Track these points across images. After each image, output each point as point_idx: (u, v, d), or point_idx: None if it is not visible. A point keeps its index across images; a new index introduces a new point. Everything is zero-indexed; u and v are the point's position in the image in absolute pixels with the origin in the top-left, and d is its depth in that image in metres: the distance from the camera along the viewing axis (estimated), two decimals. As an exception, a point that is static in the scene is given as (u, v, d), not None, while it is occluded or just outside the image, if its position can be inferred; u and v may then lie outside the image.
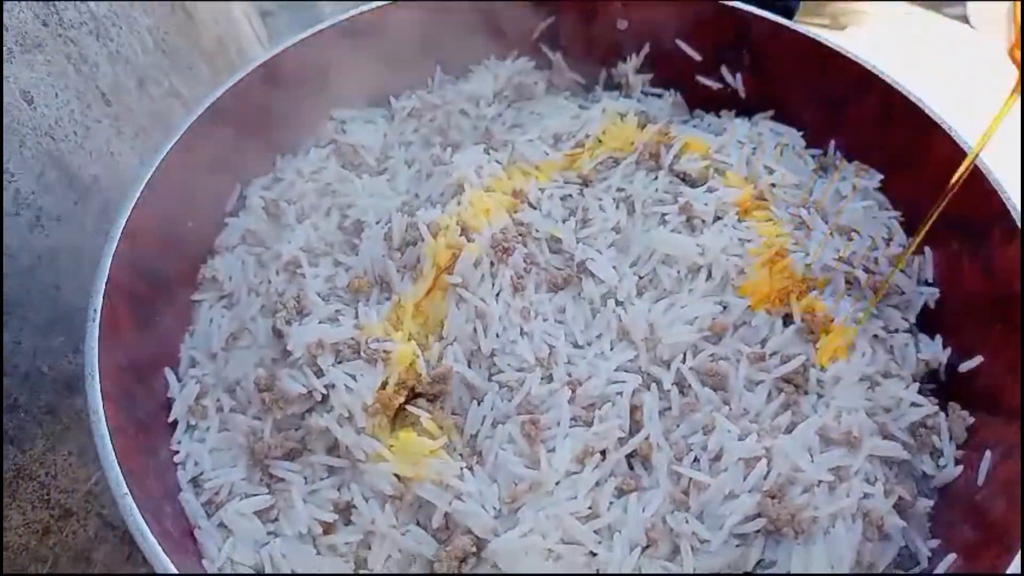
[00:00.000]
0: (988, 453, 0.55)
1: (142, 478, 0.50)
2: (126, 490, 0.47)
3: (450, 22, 0.77)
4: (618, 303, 0.62)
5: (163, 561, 0.45)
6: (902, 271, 0.65)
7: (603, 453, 0.56)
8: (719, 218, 0.66)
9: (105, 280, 0.55)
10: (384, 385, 0.57)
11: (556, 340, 0.61)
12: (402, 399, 0.58)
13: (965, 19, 1.79)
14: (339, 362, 0.58)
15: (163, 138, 0.80)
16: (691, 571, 0.51)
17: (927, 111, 0.64)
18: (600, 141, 0.73)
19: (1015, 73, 0.47)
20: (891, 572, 0.54)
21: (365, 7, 0.75)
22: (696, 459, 0.55)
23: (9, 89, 0.63)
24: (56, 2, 0.68)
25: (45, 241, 0.67)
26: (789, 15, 0.73)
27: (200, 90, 0.90)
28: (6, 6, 0.64)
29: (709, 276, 0.63)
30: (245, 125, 0.69)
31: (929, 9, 1.80)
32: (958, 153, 0.62)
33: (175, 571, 0.44)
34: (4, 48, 0.62)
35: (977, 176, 0.60)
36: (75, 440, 0.72)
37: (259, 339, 0.62)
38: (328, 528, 0.54)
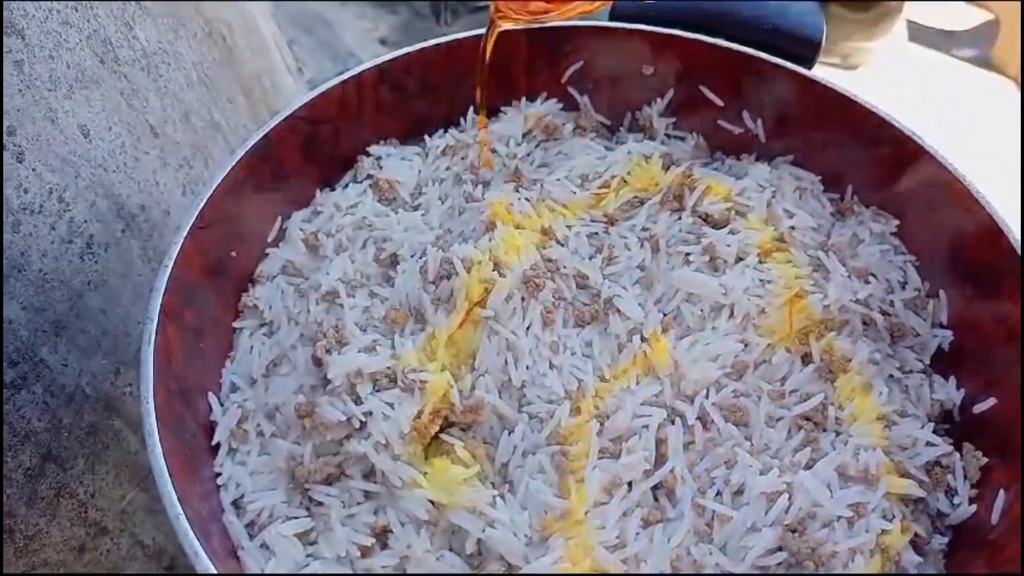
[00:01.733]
0: (1002, 493, 0.57)
1: (191, 500, 0.53)
2: (180, 511, 0.49)
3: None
4: (643, 339, 0.65)
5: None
6: (917, 314, 0.68)
7: (629, 485, 0.58)
8: (741, 259, 0.69)
9: (159, 307, 0.58)
10: (420, 414, 0.59)
11: (584, 374, 0.63)
12: (437, 428, 0.60)
13: (974, 61, 1.83)
14: (377, 391, 0.60)
15: (204, 169, 0.84)
16: (715, 601, 0.54)
17: (941, 160, 0.67)
18: (625, 181, 0.76)
19: None
20: (907, 607, 0.56)
21: (401, 51, 0.78)
22: (719, 492, 0.57)
23: (68, 124, 0.66)
24: (112, 40, 0.71)
25: (94, 267, 0.70)
26: (809, 63, 0.77)
27: (238, 121, 0.94)
28: (65, 45, 0.67)
29: (731, 315, 0.65)
30: (287, 161, 0.73)
31: (939, 51, 1.84)
32: (970, 200, 0.65)
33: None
34: (65, 85, 0.65)
35: (992, 227, 0.62)
36: (112, 460, 0.75)
37: (299, 367, 0.65)
38: (366, 551, 0.56)
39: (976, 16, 1.92)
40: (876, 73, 1.76)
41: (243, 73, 0.98)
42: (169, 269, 0.60)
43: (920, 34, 1.85)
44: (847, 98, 0.72)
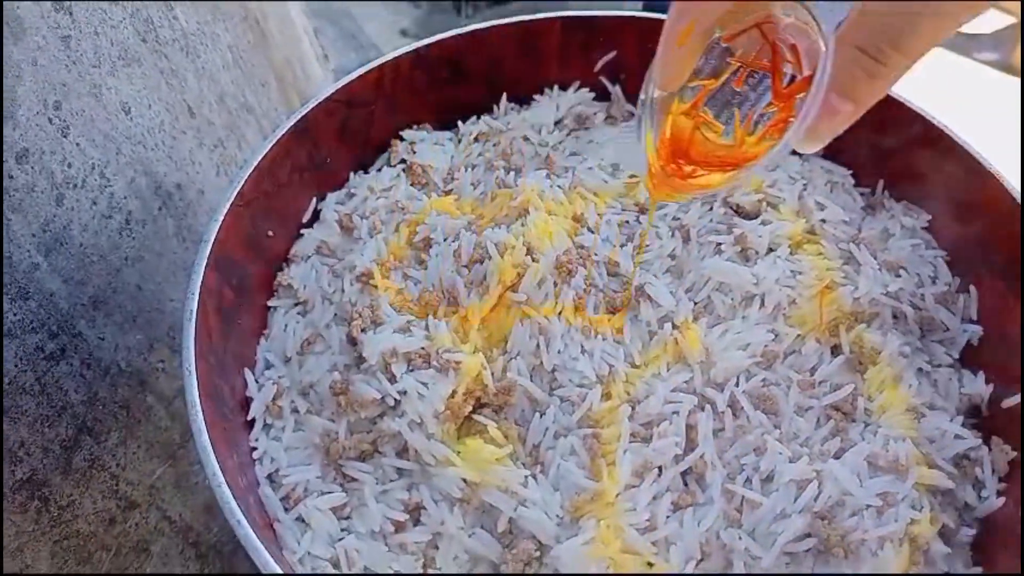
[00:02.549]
0: (1031, 486, 0.57)
1: (230, 471, 0.54)
2: (222, 480, 0.50)
3: (515, 53, 0.81)
4: (674, 327, 0.65)
5: (257, 547, 0.48)
6: (947, 308, 0.68)
7: (660, 469, 0.58)
8: (772, 250, 0.69)
9: (200, 281, 0.58)
10: (453, 394, 0.60)
11: (615, 359, 0.64)
12: (470, 408, 0.61)
13: (995, 64, 1.82)
14: (411, 370, 0.61)
15: (238, 151, 0.84)
16: (744, 585, 0.54)
17: (976, 155, 0.67)
18: (656, 171, 0.76)
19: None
20: (934, 597, 0.56)
21: (436, 37, 0.78)
22: (748, 479, 0.58)
23: (111, 100, 0.67)
24: (153, 19, 0.72)
25: (132, 243, 0.71)
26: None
27: (270, 105, 0.95)
28: (109, 22, 0.68)
29: (762, 305, 0.66)
30: (323, 143, 0.74)
31: (960, 54, 1.83)
32: (1005, 196, 0.65)
33: (268, 556, 0.47)
34: (109, 62, 0.66)
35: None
36: (144, 435, 0.76)
37: (333, 345, 0.65)
38: (399, 527, 0.57)
39: (998, 20, 1.91)
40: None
41: (275, 58, 0.99)
42: (210, 244, 0.60)
43: (942, 37, 1.84)
44: (881, 93, 0.72)
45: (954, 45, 1.86)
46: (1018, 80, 1.78)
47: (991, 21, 1.91)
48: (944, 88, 1.70)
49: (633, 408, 0.60)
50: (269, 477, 0.60)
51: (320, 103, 0.71)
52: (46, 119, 0.61)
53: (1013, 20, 1.87)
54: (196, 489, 0.83)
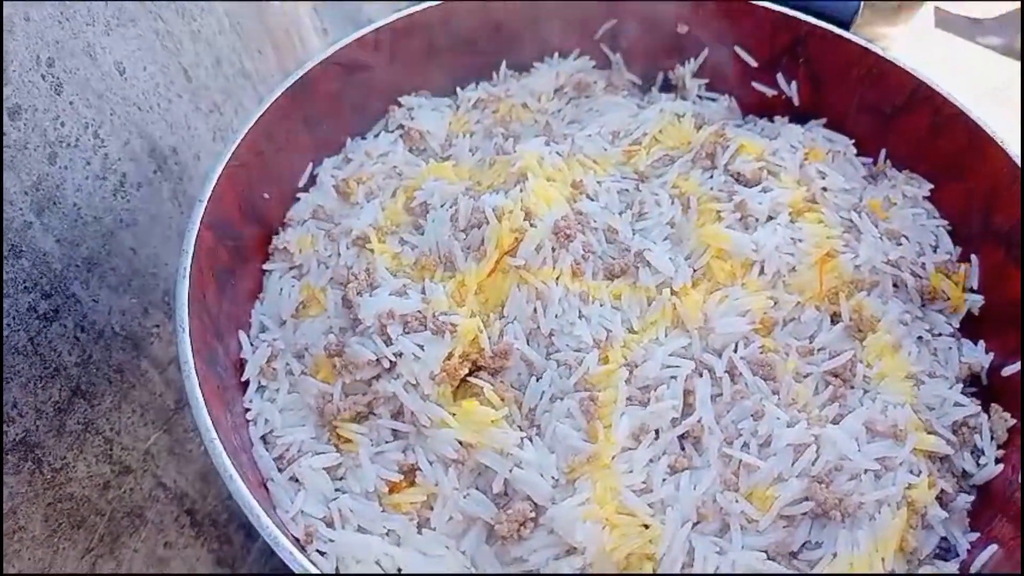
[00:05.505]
0: (1030, 453, 0.57)
1: (223, 428, 0.53)
2: (215, 435, 0.49)
3: (515, 19, 0.80)
4: (673, 293, 0.65)
5: (249, 501, 0.47)
6: (948, 277, 0.67)
7: (657, 432, 0.58)
8: (772, 218, 0.68)
9: (194, 240, 0.58)
10: (450, 356, 0.59)
11: (613, 324, 0.63)
12: (466, 371, 0.60)
13: (999, 49, 1.81)
14: (407, 332, 0.60)
15: (234, 116, 0.84)
16: (739, 548, 0.54)
17: (980, 123, 0.66)
18: (657, 140, 0.76)
19: None
20: (932, 562, 0.56)
21: (432, 3, 0.77)
22: (746, 443, 0.57)
23: (105, 60, 0.66)
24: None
25: (126, 206, 0.70)
26: (846, 26, 0.76)
27: (267, 72, 0.94)
28: (104, -19, 0.67)
29: (762, 272, 0.65)
30: (320, 105, 0.73)
31: (965, 39, 1.82)
32: (1009, 165, 0.64)
33: (259, 510, 0.47)
34: (103, 21, 0.65)
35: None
36: (138, 400, 0.75)
37: (328, 308, 0.65)
38: (393, 487, 0.57)
39: (1003, 4, 1.90)
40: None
41: (273, 27, 0.97)
42: (205, 204, 0.60)
43: (946, 21, 1.83)
44: (885, 59, 0.72)
45: (959, 30, 1.85)
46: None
47: (996, 7, 1.90)
48: (949, 72, 1.70)
49: (630, 372, 0.60)
50: (263, 439, 0.60)
51: (317, 65, 0.71)
52: (39, 76, 0.60)
53: (1017, 5, 1.86)
54: (191, 457, 0.82)
